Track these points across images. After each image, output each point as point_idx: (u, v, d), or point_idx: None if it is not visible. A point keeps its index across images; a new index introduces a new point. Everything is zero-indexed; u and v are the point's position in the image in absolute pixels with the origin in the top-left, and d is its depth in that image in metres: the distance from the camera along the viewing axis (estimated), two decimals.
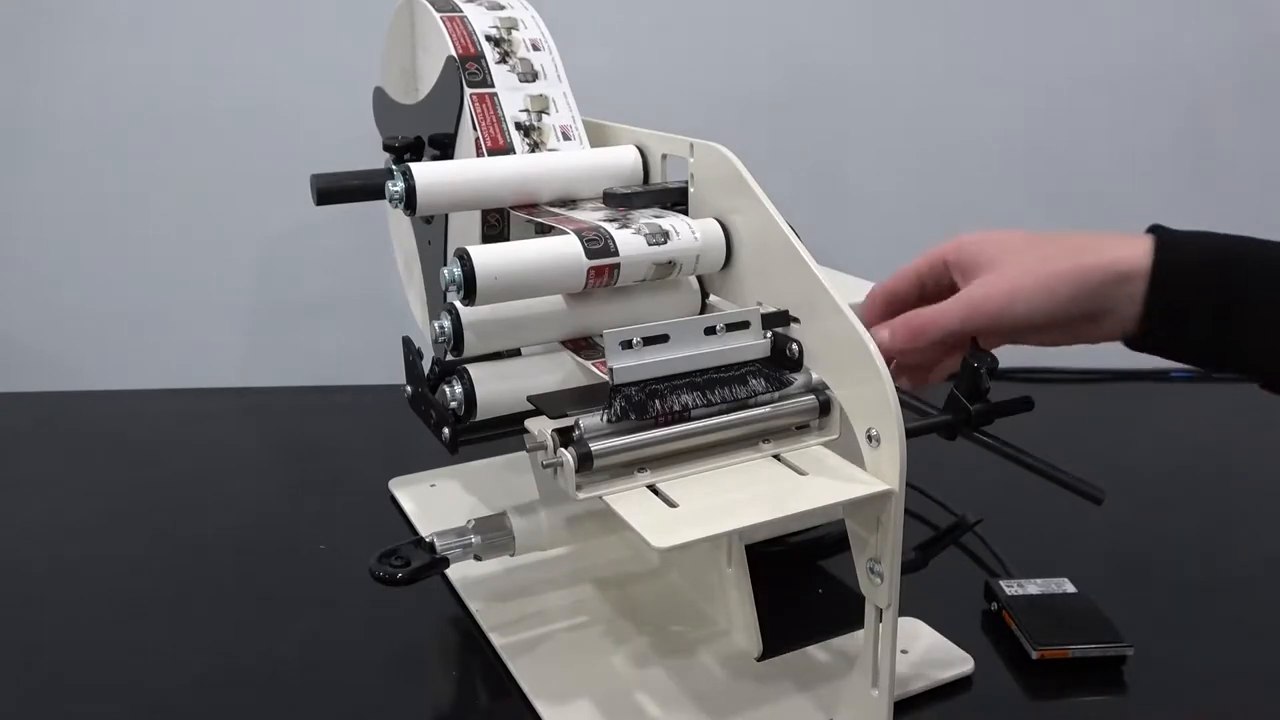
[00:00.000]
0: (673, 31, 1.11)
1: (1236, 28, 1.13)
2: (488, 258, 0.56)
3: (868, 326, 0.56)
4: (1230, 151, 1.17)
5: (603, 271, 0.58)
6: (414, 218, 0.68)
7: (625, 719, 0.60)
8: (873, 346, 0.52)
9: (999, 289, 0.57)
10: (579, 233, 0.58)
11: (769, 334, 0.56)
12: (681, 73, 1.11)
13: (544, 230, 0.63)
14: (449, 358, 0.61)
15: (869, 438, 0.53)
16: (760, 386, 0.55)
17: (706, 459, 0.54)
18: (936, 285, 0.62)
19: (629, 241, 0.59)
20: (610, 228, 0.59)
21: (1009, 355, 0.62)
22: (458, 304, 0.57)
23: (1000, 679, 0.64)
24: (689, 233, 0.61)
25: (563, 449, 0.51)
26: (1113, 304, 0.56)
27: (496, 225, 0.69)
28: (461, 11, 0.71)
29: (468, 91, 0.68)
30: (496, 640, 0.66)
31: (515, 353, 0.65)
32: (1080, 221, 1.18)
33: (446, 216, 0.73)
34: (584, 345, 0.62)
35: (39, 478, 0.92)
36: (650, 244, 0.59)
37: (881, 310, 0.63)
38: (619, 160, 0.69)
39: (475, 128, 0.67)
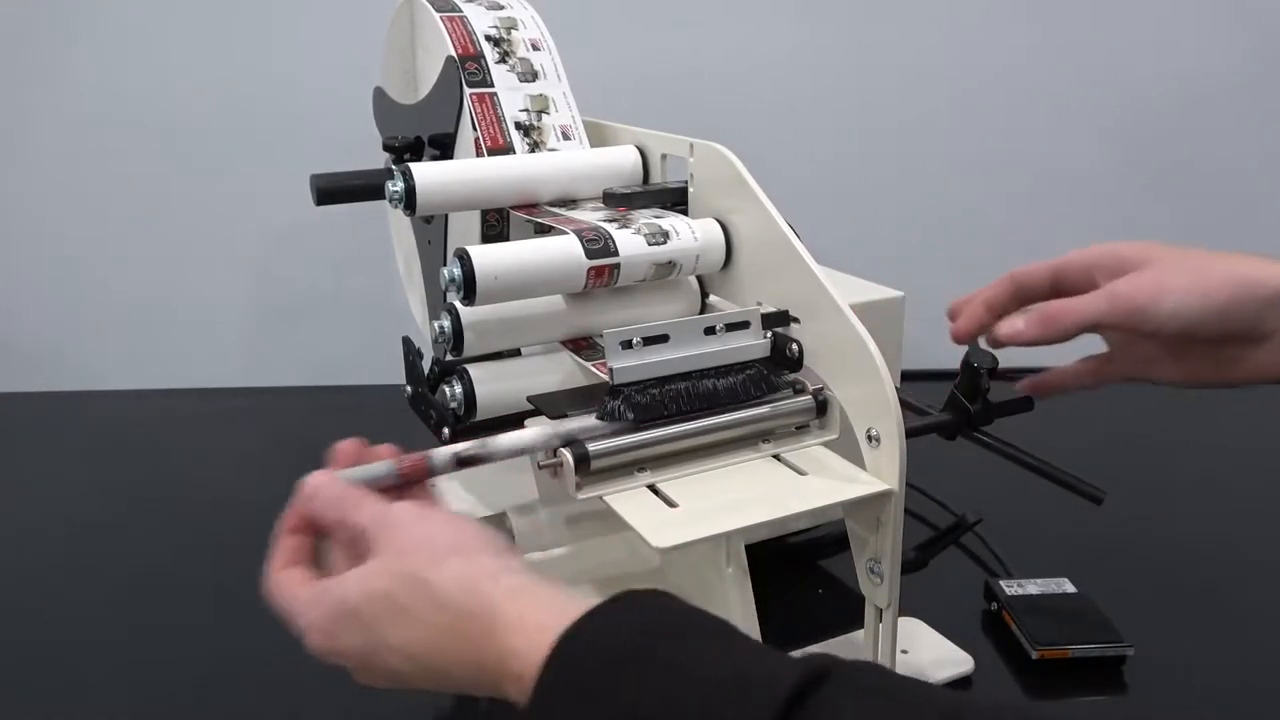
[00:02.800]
0: (673, 31, 1.11)
1: (1230, 30, 1.13)
2: (488, 258, 0.56)
3: (989, 305, 0.54)
4: (1221, 154, 1.17)
5: (603, 271, 0.58)
6: (414, 218, 0.68)
7: None
8: (873, 346, 0.52)
9: (1147, 282, 0.52)
10: (579, 233, 0.58)
11: (769, 334, 0.56)
12: (681, 72, 1.11)
13: (544, 230, 0.63)
14: (449, 358, 0.61)
15: (869, 438, 0.53)
16: (760, 386, 0.55)
17: (706, 459, 0.54)
18: (1072, 287, 0.58)
19: (629, 241, 0.59)
20: (610, 228, 0.59)
21: (1009, 355, 0.62)
22: (458, 304, 0.57)
23: (1000, 679, 0.64)
24: (689, 233, 0.61)
25: (562, 449, 0.51)
26: (1273, 327, 0.51)
27: (496, 225, 0.69)
28: (461, 11, 0.71)
29: (468, 91, 0.68)
30: None
31: (515, 353, 0.65)
32: (1083, 220, 1.18)
33: (446, 216, 0.73)
34: (584, 345, 0.62)
35: (39, 478, 0.92)
36: (650, 244, 0.59)
37: (1008, 298, 0.60)
38: (619, 160, 0.69)
39: (475, 127, 0.67)
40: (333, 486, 0.47)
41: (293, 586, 0.46)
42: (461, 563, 0.43)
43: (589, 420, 0.52)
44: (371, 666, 0.45)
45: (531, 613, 0.40)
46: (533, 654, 0.38)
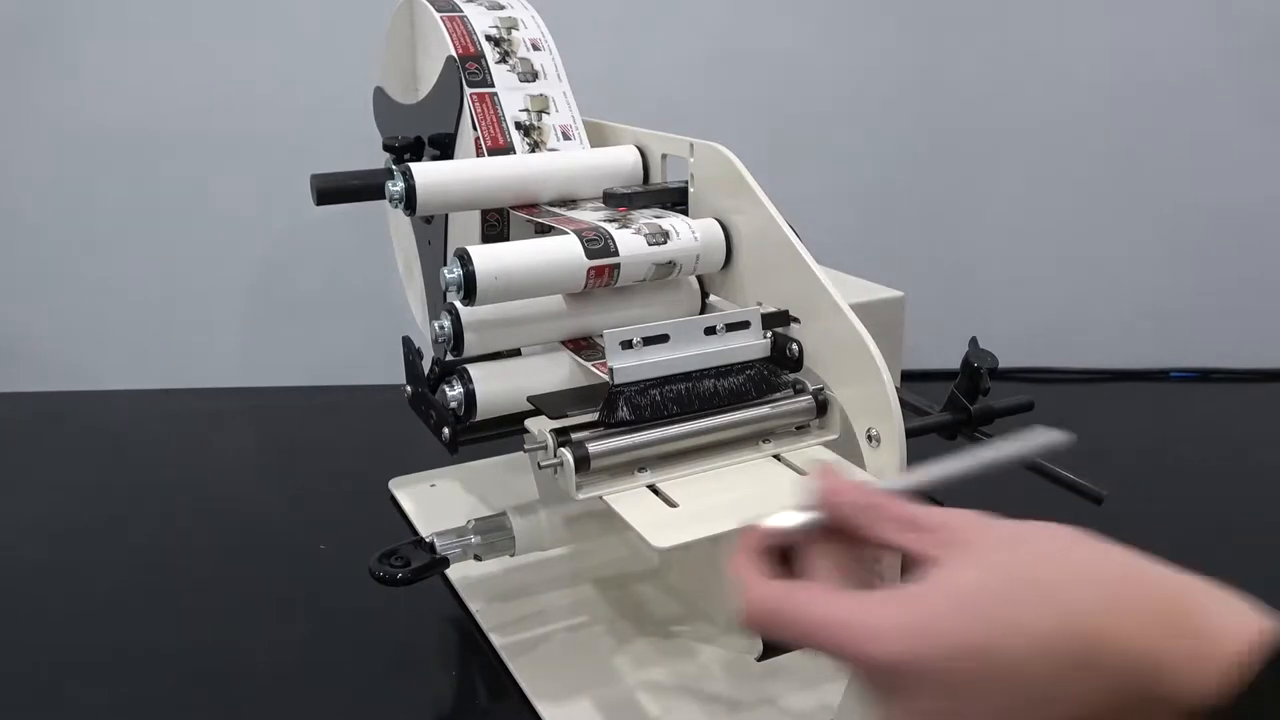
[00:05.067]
0: (674, 31, 1.11)
1: (1216, 30, 1.13)
2: (488, 258, 0.56)
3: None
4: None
5: (603, 271, 0.58)
6: (414, 218, 0.68)
7: (625, 719, 0.60)
8: (873, 346, 0.52)
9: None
10: (579, 233, 0.58)
11: (769, 334, 0.56)
12: (682, 73, 1.11)
13: (544, 230, 0.63)
14: (449, 358, 0.61)
15: (869, 438, 0.53)
16: (760, 387, 0.55)
17: (706, 459, 0.54)
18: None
19: (629, 241, 0.59)
20: (610, 228, 0.59)
21: (1009, 356, 0.62)
22: (458, 304, 0.57)
23: None
24: (689, 233, 0.61)
25: (562, 449, 0.51)
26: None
27: (496, 225, 0.69)
28: (461, 11, 0.71)
29: (468, 91, 0.68)
30: (496, 640, 0.66)
31: (515, 353, 0.65)
32: (1084, 219, 1.18)
33: (446, 216, 0.73)
34: (584, 345, 0.62)
35: (39, 478, 0.92)
36: (650, 244, 0.59)
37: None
38: (619, 160, 0.69)
39: (475, 127, 0.67)
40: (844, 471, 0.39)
41: (833, 596, 0.36)
42: (1104, 544, 0.37)
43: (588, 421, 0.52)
44: (967, 675, 0.33)
45: (1229, 601, 0.35)
46: (1236, 639, 0.33)
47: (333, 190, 0.70)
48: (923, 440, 0.60)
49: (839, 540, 0.39)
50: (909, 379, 0.68)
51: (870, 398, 0.52)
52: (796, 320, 0.57)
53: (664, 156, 0.68)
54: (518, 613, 0.69)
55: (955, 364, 0.62)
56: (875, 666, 0.34)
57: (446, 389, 0.62)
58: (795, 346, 0.55)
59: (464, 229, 0.71)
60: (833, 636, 0.35)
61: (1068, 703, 0.33)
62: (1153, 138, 1.16)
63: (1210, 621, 0.34)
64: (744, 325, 0.55)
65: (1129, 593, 0.35)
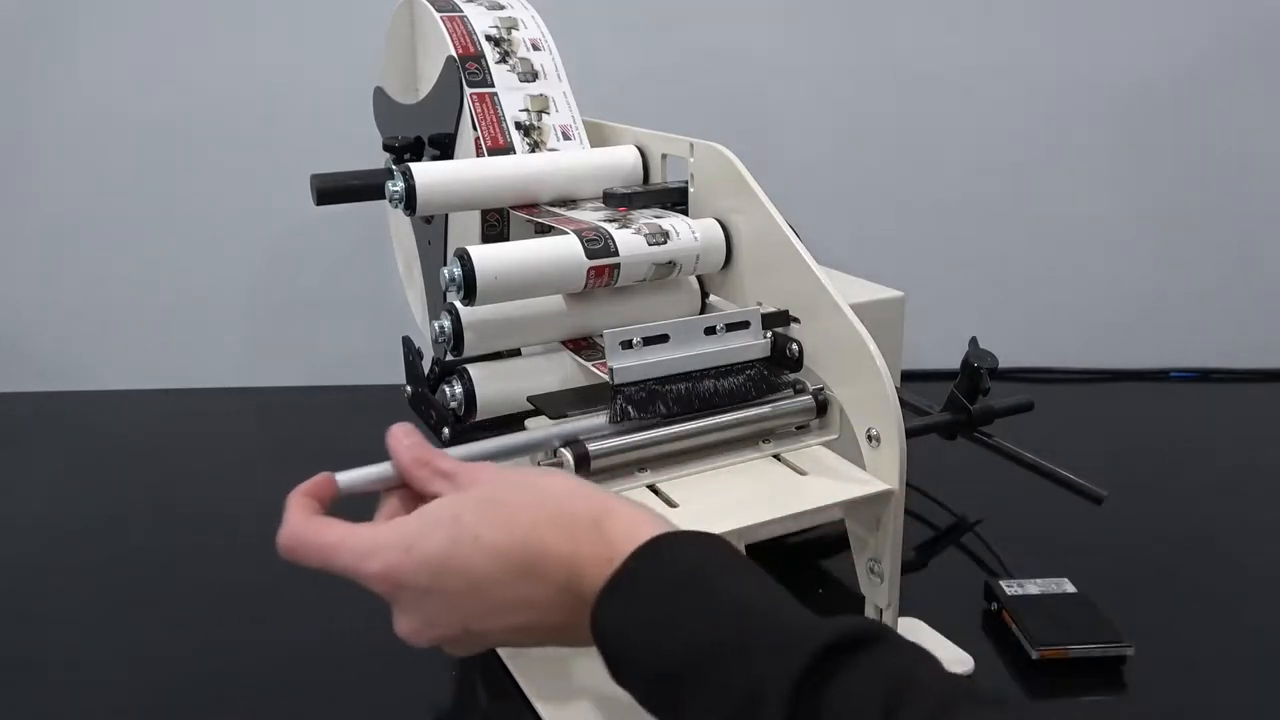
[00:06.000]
0: (673, 30, 1.11)
1: (1217, 25, 1.13)
2: (488, 258, 0.56)
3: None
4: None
5: (603, 271, 0.58)
6: (414, 218, 0.68)
7: (625, 719, 0.60)
8: (873, 346, 0.52)
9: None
10: (579, 232, 0.58)
11: (769, 334, 0.56)
12: (681, 72, 1.11)
13: (544, 230, 0.63)
14: (449, 358, 0.61)
15: (869, 438, 0.53)
16: (760, 387, 0.55)
17: (707, 459, 0.54)
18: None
19: (629, 241, 0.59)
20: (610, 228, 0.59)
21: (1010, 355, 0.62)
22: (458, 304, 0.57)
23: (1000, 679, 0.64)
24: (689, 233, 0.61)
25: (562, 448, 0.51)
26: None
27: (496, 225, 0.69)
28: (461, 11, 0.71)
29: (468, 91, 0.68)
30: None
31: (515, 353, 0.65)
32: (1083, 218, 1.18)
33: (446, 216, 0.73)
34: (584, 345, 0.62)
35: (39, 478, 0.92)
36: (650, 244, 0.59)
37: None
38: (619, 160, 0.69)
39: (475, 127, 0.67)
40: (415, 434, 0.48)
41: (340, 525, 0.45)
42: (571, 476, 0.45)
43: (590, 419, 0.52)
44: (442, 581, 0.41)
45: (640, 512, 0.42)
46: (630, 542, 0.39)
47: (333, 190, 0.70)
48: (923, 440, 0.60)
49: (409, 490, 0.47)
50: (909, 379, 0.68)
51: (870, 398, 0.52)
52: (796, 320, 0.57)
53: (664, 156, 0.68)
54: None
55: (955, 364, 0.62)
56: (368, 579, 0.42)
57: (446, 389, 0.62)
58: (795, 346, 0.55)
59: (464, 229, 0.71)
60: (336, 558, 0.43)
61: (527, 608, 0.41)
62: (1153, 137, 1.16)
63: (618, 530, 0.41)
64: (744, 325, 0.55)
65: (565, 510, 0.42)
